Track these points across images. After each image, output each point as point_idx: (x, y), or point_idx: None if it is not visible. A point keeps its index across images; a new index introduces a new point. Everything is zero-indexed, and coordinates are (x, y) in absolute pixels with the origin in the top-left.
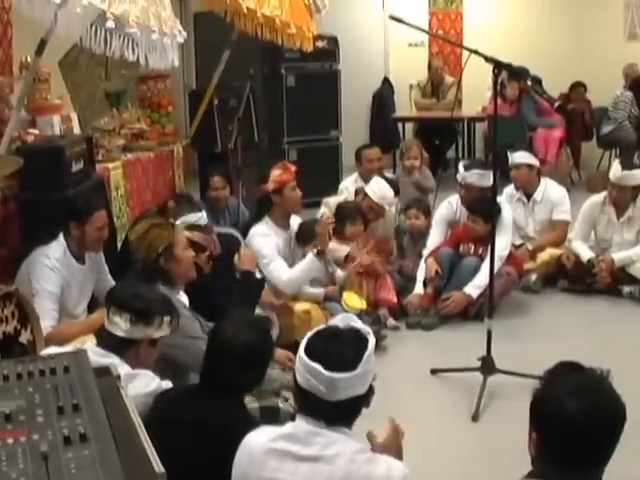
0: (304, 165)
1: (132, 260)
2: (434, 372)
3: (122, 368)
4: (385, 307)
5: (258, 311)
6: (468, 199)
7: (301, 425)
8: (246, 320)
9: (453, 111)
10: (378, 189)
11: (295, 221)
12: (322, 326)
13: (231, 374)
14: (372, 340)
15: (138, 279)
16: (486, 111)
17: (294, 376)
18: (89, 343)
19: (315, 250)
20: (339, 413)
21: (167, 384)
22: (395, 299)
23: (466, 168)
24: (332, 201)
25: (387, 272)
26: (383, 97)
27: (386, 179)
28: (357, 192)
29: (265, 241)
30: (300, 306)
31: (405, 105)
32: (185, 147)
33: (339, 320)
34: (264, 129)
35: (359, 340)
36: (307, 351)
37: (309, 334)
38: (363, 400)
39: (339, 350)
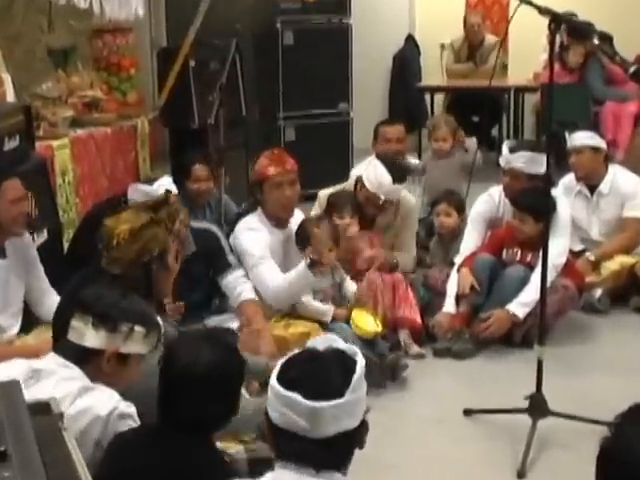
0: (305, 147)
1: (89, 260)
2: (469, 413)
3: (76, 383)
4: (406, 329)
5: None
6: (514, 190)
7: (284, 476)
8: (206, 336)
9: (492, 79)
10: (374, 175)
11: (297, 218)
12: (297, 350)
13: (194, 408)
14: (361, 362)
15: (111, 284)
16: (539, 79)
17: (265, 415)
18: (50, 353)
19: (308, 259)
20: (328, 454)
21: (129, 408)
22: (419, 319)
23: (512, 150)
24: (326, 194)
25: (409, 283)
26: (406, 60)
27: (406, 167)
28: (357, 180)
29: (255, 237)
30: (296, 328)
31: (434, 71)
32: (152, 122)
33: (319, 342)
34: (254, 100)
35: (345, 361)
36: (281, 379)
37: (282, 359)
38: (355, 437)
39: (321, 374)
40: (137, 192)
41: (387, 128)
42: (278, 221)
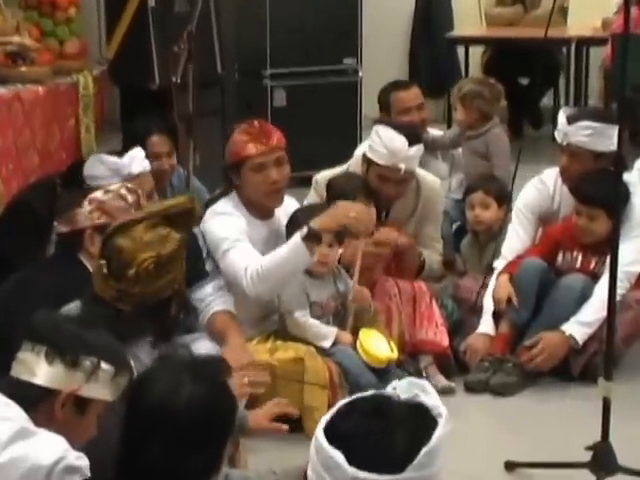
0: (299, 115)
1: (15, 262)
2: (511, 467)
3: (11, 425)
4: (430, 355)
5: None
6: (573, 174)
7: None
8: (189, 365)
9: (548, 28)
10: (382, 143)
11: (289, 207)
12: (369, 392)
13: (166, 458)
14: (444, 428)
15: (113, 322)
16: (609, 28)
17: (304, 477)
18: None
19: (305, 229)
20: None
21: (79, 460)
22: (446, 341)
23: (571, 120)
24: (324, 177)
25: (433, 293)
26: (433, 3)
27: (431, 141)
28: (364, 158)
29: (229, 220)
30: (285, 352)
31: (470, 18)
32: (98, 79)
33: (401, 388)
34: (233, 53)
35: (422, 422)
36: (329, 430)
37: (342, 402)
38: None
39: (382, 434)
40: (101, 166)
41: (403, 94)
42: (260, 211)
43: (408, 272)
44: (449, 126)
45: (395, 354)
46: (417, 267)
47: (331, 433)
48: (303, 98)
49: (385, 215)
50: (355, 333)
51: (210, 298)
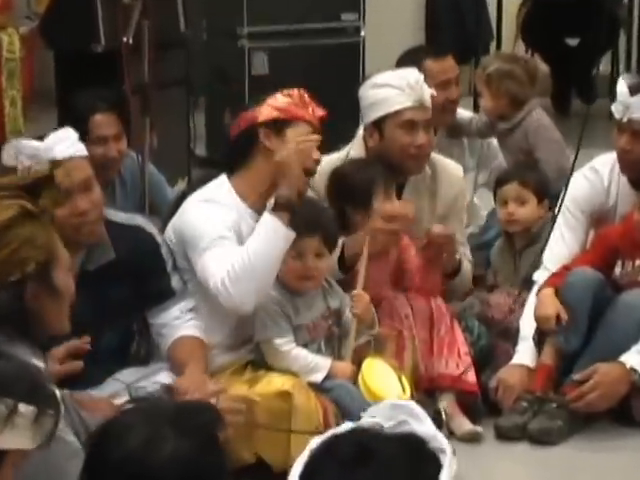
0: (283, 86)
1: None
2: None
3: None
4: (451, 392)
5: None
6: (635, 160)
7: None
8: (170, 414)
9: None
10: (388, 81)
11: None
12: (344, 426)
13: None
14: (449, 469)
15: None
16: None
17: None
18: None
19: (272, 200)
20: None
21: None
22: (472, 375)
23: (633, 91)
24: (323, 165)
25: (454, 313)
26: None
27: (456, 125)
28: (371, 128)
29: (212, 211)
30: (268, 384)
31: None
32: (27, 39)
33: (384, 414)
34: (200, 8)
35: (417, 463)
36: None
37: (313, 445)
38: None
39: None
40: (19, 156)
41: (439, 64)
42: (261, 201)
43: (438, 275)
44: (475, 101)
45: (407, 393)
46: (452, 269)
47: None
48: (289, 64)
49: None
50: (356, 363)
51: (176, 322)
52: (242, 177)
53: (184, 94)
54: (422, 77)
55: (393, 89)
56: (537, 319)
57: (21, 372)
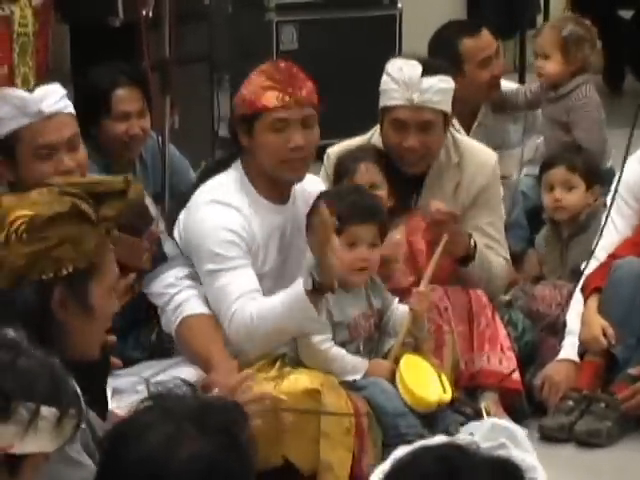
0: (315, 62)
1: None
2: None
3: None
4: (492, 389)
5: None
6: None
7: None
8: (193, 413)
9: None
10: (390, 72)
11: (309, 189)
12: (437, 439)
13: None
14: None
15: None
16: None
17: None
18: None
19: (310, 279)
20: None
21: None
22: (516, 373)
23: None
24: (337, 152)
25: (496, 306)
26: None
27: (505, 100)
28: (380, 115)
29: (224, 220)
30: (296, 382)
31: None
32: (40, 11)
33: (484, 433)
34: None
35: None
36: None
37: (398, 453)
38: None
39: None
40: (5, 106)
41: (476, 41)
42: (273, 189)
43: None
44: (521, 77)
45: (449, 394)
46: (462, 253)
47: None
48: (320, 38)
49: (415, 202)
50: (395, 363)
51: (173, 291)
52: (250, 163)
53: (207, 71)
54: (419, 74)
55: (392, 82)
56: (584, 342)
57: (42, 371)
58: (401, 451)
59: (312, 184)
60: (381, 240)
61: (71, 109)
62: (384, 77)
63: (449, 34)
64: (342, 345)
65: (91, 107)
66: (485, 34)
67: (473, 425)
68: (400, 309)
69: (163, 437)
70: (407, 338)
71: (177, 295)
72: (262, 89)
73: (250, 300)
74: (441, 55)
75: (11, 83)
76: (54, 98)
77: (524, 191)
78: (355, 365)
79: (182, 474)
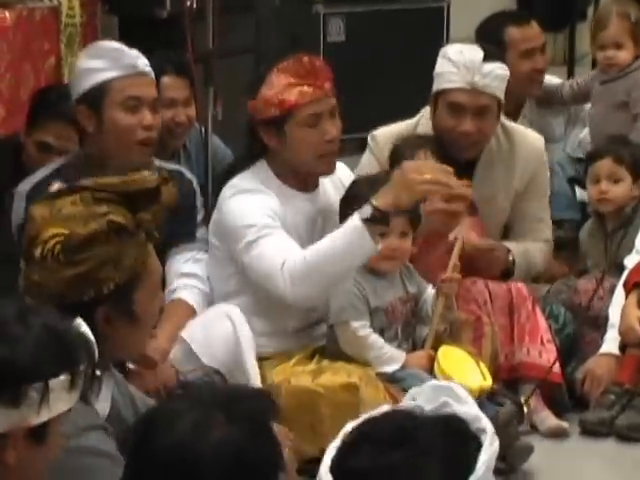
0: (362, 54)
1: None
2: None
3: None
4: (533, 383)
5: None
6: None
7: None
8: (221, 400)
9: None
10: (449, 55)
11: (338, 176)
12: (379, 410)
13: None
14: (490, 449)
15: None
16: None
17: None
18: None
19: (370, 208)
20: None
21: None
22: (557, 366)
23: None
24: (386, 134)
25: (537, 298)
26: None
27: (549, 95)
28: (431, 102)
29: (253, 201)
30: (333, 375)
31: None
32: (86, 3)
33: (426, 395)
34: None
35: (457, 445)
36: (336, 469)
37: (347, 429)
38: None
39: (404, 469)
40: (97, 60)
41: (523, 31)
42: (303, 181)
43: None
44: (570, 70)
45: (489, 382)
46: (501, 270)
47: (340, 473)
48: (368, 30)
49: None
50: (433, 353)
51: (179, 267)
52: (276, 162)
53: (253, 63)
54: (481, 58)
55: (450, 64)
56: (621, 334)
57: (48, 339)
58: (349, 426)
59: (340, 170)
60: (413, 229)
61: (153, 75)
62: (440, 60)
63: (496, 22)
64: (380, 331)
65: None
66: (533, 26)
67: (414, 390)
68: (430, 292)
69: (192, 423)
70: (441, 325)
71: (184, 287)
72: (289, 87)
73: (297, 250)
74: (486, 42)
75: (58, 74)
76: (145, 61)
77: (562, 164)
78: (392, 356)
79: (211, 459)
